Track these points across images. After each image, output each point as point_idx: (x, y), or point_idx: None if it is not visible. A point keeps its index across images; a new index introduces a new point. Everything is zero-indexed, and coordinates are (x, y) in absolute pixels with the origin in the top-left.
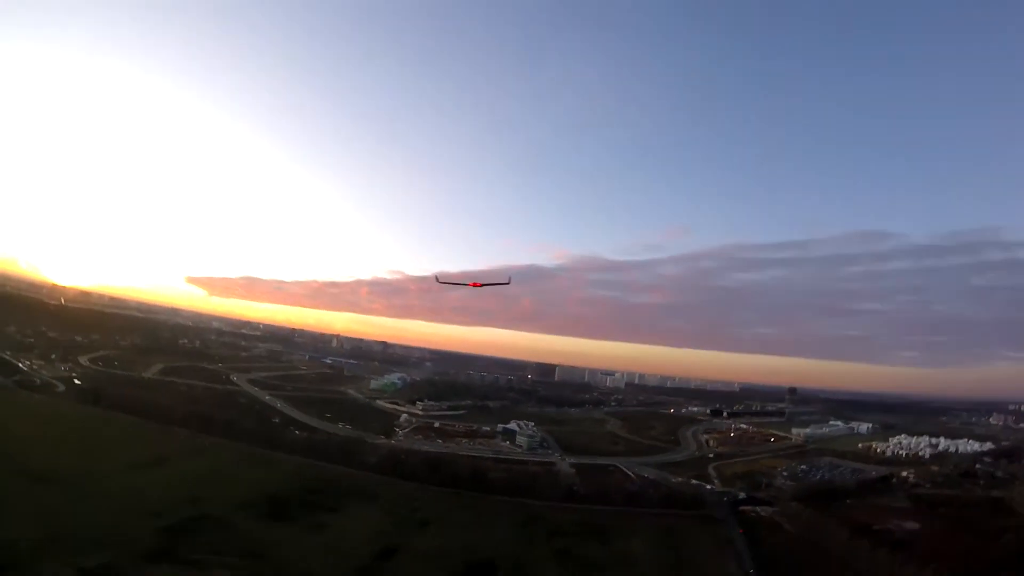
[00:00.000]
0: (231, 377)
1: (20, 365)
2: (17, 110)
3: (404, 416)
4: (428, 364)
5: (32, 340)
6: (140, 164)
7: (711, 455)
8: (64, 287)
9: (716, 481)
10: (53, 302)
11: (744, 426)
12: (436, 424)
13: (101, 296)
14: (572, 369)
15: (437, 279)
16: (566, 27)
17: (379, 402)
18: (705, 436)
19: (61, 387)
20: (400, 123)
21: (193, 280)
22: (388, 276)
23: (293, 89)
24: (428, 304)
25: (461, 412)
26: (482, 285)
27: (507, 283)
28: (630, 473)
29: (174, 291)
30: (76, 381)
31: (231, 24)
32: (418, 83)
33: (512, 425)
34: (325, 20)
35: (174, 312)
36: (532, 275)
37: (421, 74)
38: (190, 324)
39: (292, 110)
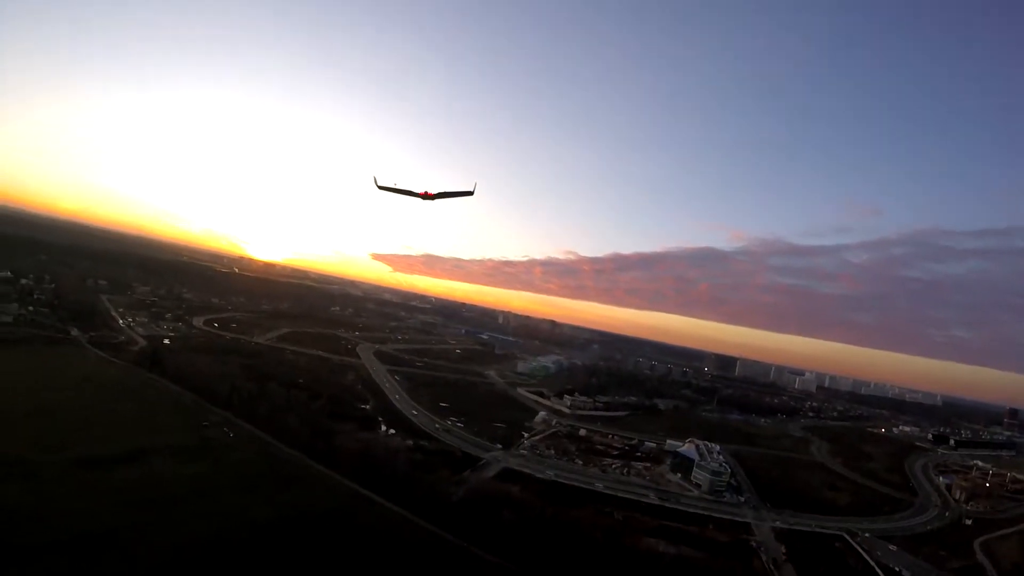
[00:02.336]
0: (357, 348)
1: (119, 322)
2: (227, 119)
3: (542, 414)
4: (596, 347)
5: (156, 299)
6: (337, 153)
7: (967, 518)
8: (257, 260)
9: None
10: (224, 270)
11: (981, 464)
12: (582, 431)
13: (285, 268)
14: (755, 364)
15: (375, 182)
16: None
17: (520, 390)
18: (942, 478)
19: (138, 346)
20: (575, 108)
21: (378, 256)
22: (562, 257)
23: (477, 76)
24: (602, 285)
25: (621, 414)
26: (435, 196)
27: (471, 193)
28: (871, 562)
29: (362, 266)
30: (165, 341)
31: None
32: (597, 71)
33: (688, 449)
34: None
35: (352, 284)
36: (708, 258)
37: (598, 61)
38: (359, 294)
39: (477, 94)
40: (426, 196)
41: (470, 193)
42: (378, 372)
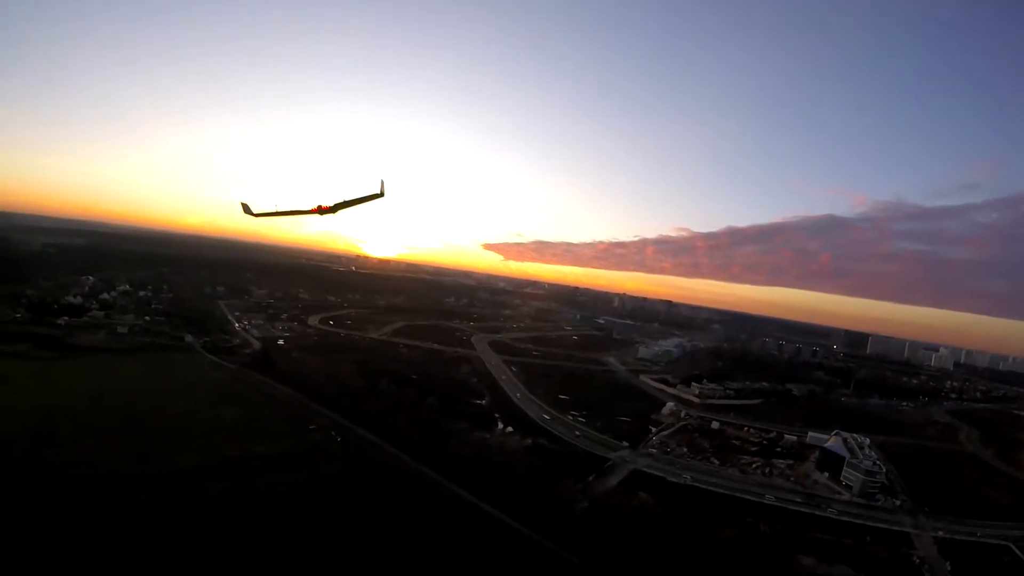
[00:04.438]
0: (471, 339)
1: (235, 326)
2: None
3: (670, 405)
4: (716, 327)
5: (273, 301)
6: (444, 148)
7: None
8: (372, 257)
9: None
10: (341, 269)
11: None
12: (714, 423)
13: (400, 263)
14: (887, 340)
15: (248, 211)
16: None
17: (644, 377)
18: None
19: (251, 349)
20: (678, 79)
21: (489, 246)
22: (674, 234)
23: (577, 55)
24: (717, 262)
25: (754, 402)
26: (334, 208)
27: (380, 195)
28: None
29: (473, 256)
30: (279, 342)
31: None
32: (695, 41)
33: (835, 444)
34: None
35: (466, 275)
36: (829, 227)
37: (695, 31)
38: (474, 284)
39: (580, 77)
40: (322, 211)
41: (379, 195)
42: (494, 363)
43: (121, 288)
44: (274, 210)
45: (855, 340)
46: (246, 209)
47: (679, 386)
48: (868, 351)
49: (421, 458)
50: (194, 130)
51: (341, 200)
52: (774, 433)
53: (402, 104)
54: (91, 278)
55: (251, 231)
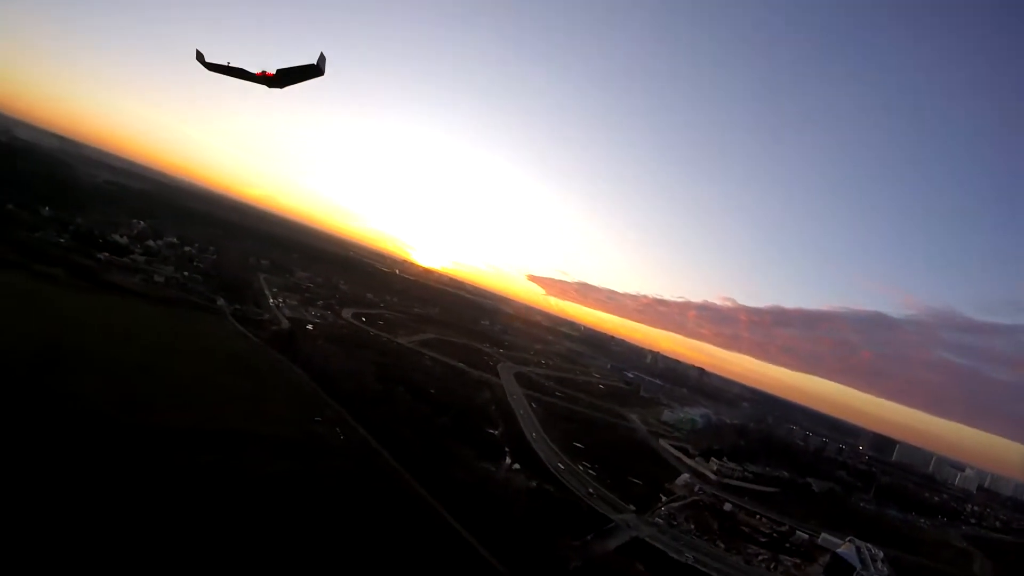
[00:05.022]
0: (498, 366)
1: (269, 301)
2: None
3: (684, 476)
4: (745, 405)
5: (312, 286)
6: (505, 176)
7: None
8: (418, 264)
9: None
10: (386, 269)
11: None
12: (727, 505)
13: (443, 275)
14: (914, 450)
15: (200, 59)
16: None
17: (663, 442)
18: None
19: (279, 327)
20: (748, 156)
21: (533, 278)
22: (719, 303)
23: (647, 124)
24: (757, 338)
25: (770, 490)
26: (277, 77)
27: (319, 72)
28: None
29: (516, 284)
30: (308, 327)
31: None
32: (768, 122)
33: (848, 551)
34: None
35: (504, 301)
36: (875, 323)
37: (767, 112)
38: (511, 311)
39: (649, 140)
40: (265, 77)
41: (318, 71)
42: (515, 395)
43: (168, 239)
44: (227, 64)
45: (882, 444)
46: (199, 56)
47: (698, 458)
48: (894, 458)
49: (420, 476)
50: (278, 110)
51: (284, 68)
52: (786, 527)
53: (474, 130)
54: (142, 223)
55: (306, 214)
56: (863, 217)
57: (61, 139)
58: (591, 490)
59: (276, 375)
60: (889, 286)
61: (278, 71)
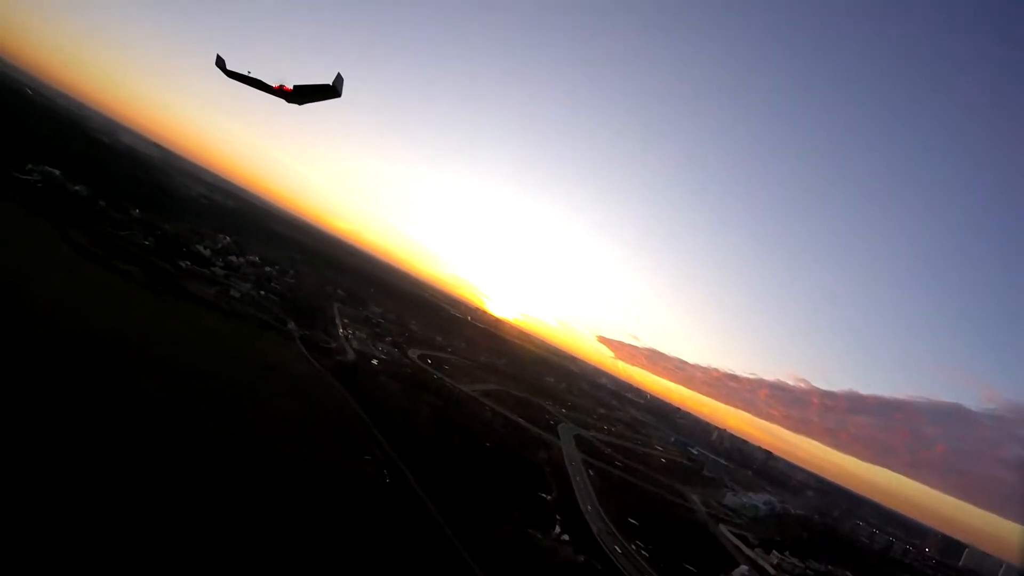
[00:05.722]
0: (558, 426)
1: (339, 331)
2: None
3: (742, 569)
4: (810, 493)
5: (383, 321)
6: (581, 232)
7: None
8: (490, 313)
9: None
10: (458, 315)
11: None
12: None
13: (513, 327)
14: (983, 557)
15: (220, 65)
16: None
17: (723, 527)
18: None
19: (344, 357)
20: (823, 234)
21: (604, 340)
22: (791, 383)
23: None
24: (828, 423)
25: None
26: (295, 93)
27: (336, 93)
28: None
29: (585, 344)
30: (373, 361)
31: None
32: (849, 194)
33: None
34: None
35: (571, 359)
36: (952, 416)
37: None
38: (577, 371)
39: (720, 214)
40: (283, 91)
41: (335, 92)
42: (572, 459)
43: (250, 257)
44: (246, 74)
45: (950, 547)
46: (219, 61)
47: (758, 549)
48: (961, 563)
49: (462, 532)
50: (379, 150)
51: (301, 84)
52: None
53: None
54: (227, 237)
55: (388, 251)
56: (943, 302)
57: (163, 149)
58: (642, 572)
59: (331, 404)
60: (970, 377)
61: (296, 87)
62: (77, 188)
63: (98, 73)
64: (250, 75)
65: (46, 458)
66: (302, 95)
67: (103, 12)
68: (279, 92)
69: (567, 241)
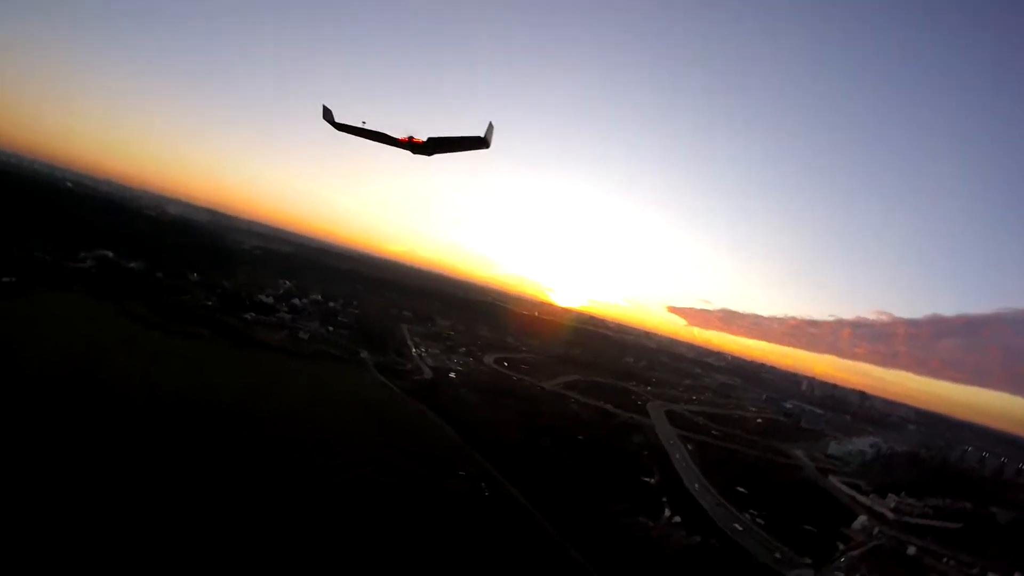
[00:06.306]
0: (647, 405)
1: (412, 351)
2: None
3: (862, 519)
4: (911, 428)
5: (454, 334)
6: (636, 207)
7: None
8: (557, 306)
9: None
10: (525, 313)
11: None
12: (910, 548)
13: (582, 314)
14: None
15: (328, 118)
16: None
17: (833, 479)
18: None
19: (421, 376)
20: (885, 155)
21: (673, 309)
22: (872, 317)
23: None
24: (916, 353)
25: (954, 525)
26: (427, 145)
27: (485, 144)
28: None
29: (656, 317)
30: (450, 375)
31: None
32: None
33: None
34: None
35: (646, 335)
36: None
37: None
38: (654, 346)
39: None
40: (413, 144)
41: (484, 144)
42: (668, 437)
43: (313, 297)
44: (360, 126)
45: None
46: (327, 114)
47: (872, 495)
48: None
49: (572, 536)
50: (415, 172)
51: (438, 136)
52: (976, 569)
53: (603, 168)
54: (287, 283)
55: (446, 264)
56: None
57: (212, 212)
58: (760, 542)
59: (416, 426)
60: None
61: (431, 139)
62: (132, 265)
63: (132, 153)
64: (365, 127)
65: (191, 507)
66: (437, 146)
67: (121, 97)
68: (406, 144)
69: (618, 219)
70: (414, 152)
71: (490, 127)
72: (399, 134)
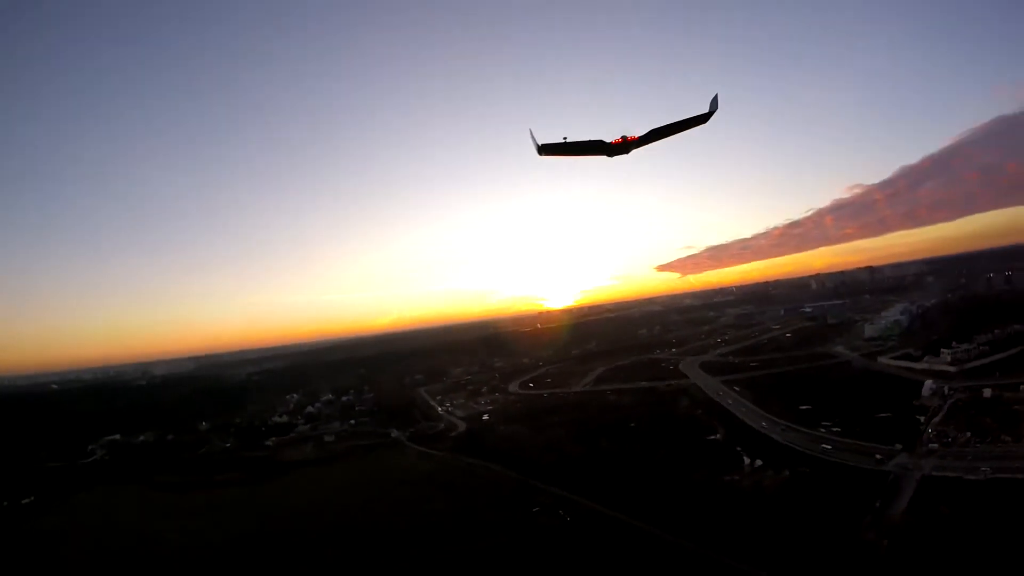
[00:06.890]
0: (679, 366)
1: (438, 410)
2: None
3: (928, 384)
4: (930, 279)
5: (470, 377)
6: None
7: None
8: (554, 310)
9: None
10: (527, 329)
11: None
12: (985, 391)
13: (581, 308)
14: None
15: (535, 145)
16: None
17: (882, 359)
18: None
19: (457, 431)
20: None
21: (663, 267)
22: (847, 195)
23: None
24: (901, 210)
25: (1013, 351)
26: (644, 139)
27: (704, 119)
28: None
29: (651, 281)
30: (484, 417)
31: None
32: None
33: None
34: None
35: (649, 301)
36: (1001, 131)
37: None
38: (659, 309)
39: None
40: (623, 145)
41: (704, 119)
42: (712, 387)
43: (325, 398)
44: (562, 141)
45: None
46: (537, 144)
47: (926, 358)
48: None
49: (671, 526)
50: (374, 240)
51: (658, 127)
52: None
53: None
54: (295, 395)
55: (436, 315)
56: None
57: (196, 359)
58: (845, 450)
59: (474, 481)
60: (999, 87)
61: (649, 131)
62: (142, 438)
63: (98, 334)
64: (567, 141)
65: None
66: (650, 138)
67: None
68: (616, 147)
69: (578, 205)
70: (610, 155)
71: (715, 99)
72: (610, 138)
